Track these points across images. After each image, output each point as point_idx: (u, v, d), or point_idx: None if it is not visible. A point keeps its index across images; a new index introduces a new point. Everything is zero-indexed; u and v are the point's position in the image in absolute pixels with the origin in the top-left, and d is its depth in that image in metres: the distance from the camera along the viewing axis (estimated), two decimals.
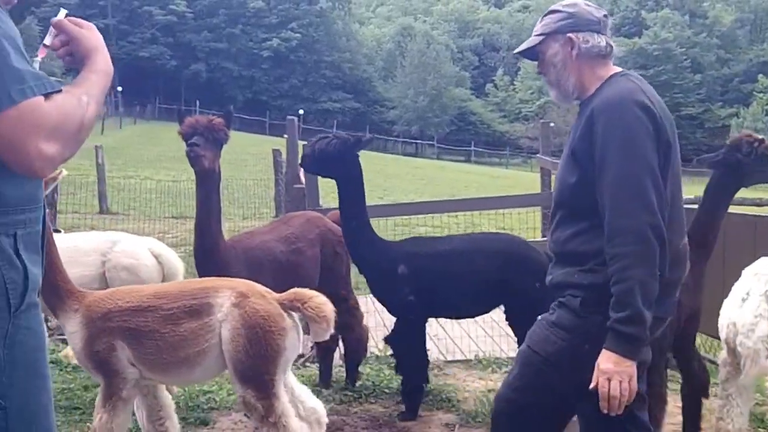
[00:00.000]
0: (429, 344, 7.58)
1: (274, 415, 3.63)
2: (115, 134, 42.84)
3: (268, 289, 3.84)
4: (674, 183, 2.76)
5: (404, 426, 5.11)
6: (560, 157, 3.03)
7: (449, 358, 7.03)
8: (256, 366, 3.61)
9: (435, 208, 8.87)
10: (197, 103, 59.79)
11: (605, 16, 2.95)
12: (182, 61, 64.74)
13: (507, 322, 5.32)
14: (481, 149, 61.33)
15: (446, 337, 7.61)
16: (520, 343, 5.19)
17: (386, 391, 5.71)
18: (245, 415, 4.30)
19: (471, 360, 6.81)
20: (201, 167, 4.70)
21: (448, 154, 60.81)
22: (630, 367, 2.60)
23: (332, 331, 3.80)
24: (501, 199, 8.90)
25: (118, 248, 5.47)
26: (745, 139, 4.44)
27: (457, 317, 6.17)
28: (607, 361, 2.62)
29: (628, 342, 2.60)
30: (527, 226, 10.93)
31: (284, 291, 3.76)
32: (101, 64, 2.15)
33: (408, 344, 5.25)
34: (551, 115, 56.57)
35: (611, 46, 2.91)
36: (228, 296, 3.69)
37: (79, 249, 5.43)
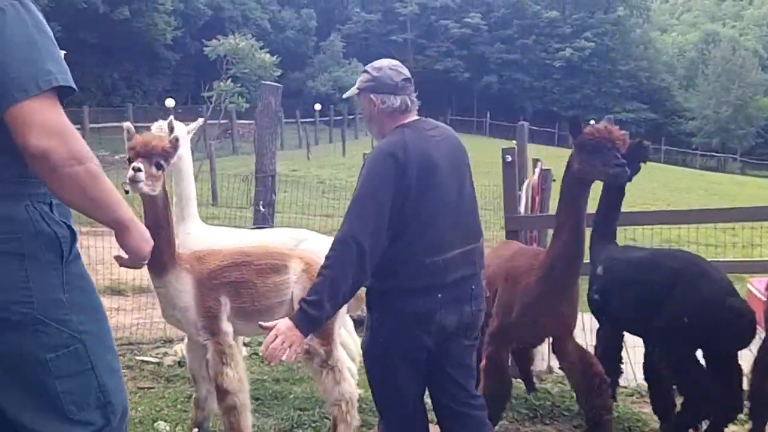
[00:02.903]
0: (634, 369, 7.03)
1: (333, 359, 4.38)
2: None
3: None
4: (435, 210, 3.43)
5: None
6: None
7: None
8: None
9: (674, 219, 7.92)
10: (488, 114, 60.63)
11: (404, 80, 3.58)
12: (475, 73, 65.77)
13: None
14: None
15: None
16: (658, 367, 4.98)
17: (566, 413, 5.30)
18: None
19: None
20: None
21: (754, 168, 56.21)
22: (297, 337, 3.25)
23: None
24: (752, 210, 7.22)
25: (302, 246, 5.61)
26: None
27: (627, 330, 5.61)
28: (284, 324, 3.27)
29: (304, 318, 3.28)
30: None
31: None
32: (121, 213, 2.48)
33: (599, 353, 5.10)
34: None
35: (407, 104, 3.57)
36: (299, 263, 4.54)
37: (266, 245, 5.64)
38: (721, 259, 7.61)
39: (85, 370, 2.42)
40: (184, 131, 5.48)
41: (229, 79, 26.62)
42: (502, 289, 4.69)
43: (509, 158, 6.79)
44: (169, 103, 28.19)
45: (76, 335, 2.39)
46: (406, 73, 3.63)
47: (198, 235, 5.43)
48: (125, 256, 2.59)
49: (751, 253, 11.12)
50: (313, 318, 3.29)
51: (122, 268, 2.80)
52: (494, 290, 4.67)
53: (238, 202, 14.02)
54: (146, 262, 2.66)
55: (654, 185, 35.74)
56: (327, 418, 5.04)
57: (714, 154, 59.40)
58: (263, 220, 7.15)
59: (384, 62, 3.66)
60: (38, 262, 2.31)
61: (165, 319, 4.67)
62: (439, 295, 3.44)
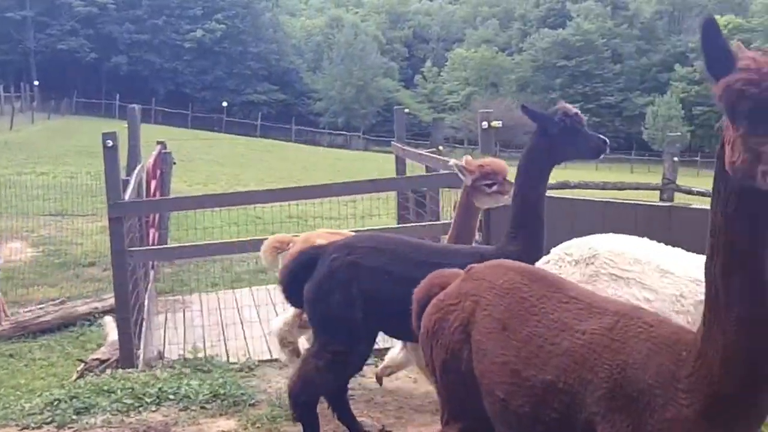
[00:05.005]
0: (250, 344, 7.41)
1: None
2: (26, 129, 42.23)
3: None
4: None
5: None
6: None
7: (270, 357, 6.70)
8: None
9: (268, 198, 8.41)
10: (117, 96, 58.66)
11: None
12: (103, 53, 63.32)
13: None
14: (408, 140, 60.49)
15: None
16: None
17: (172, 396, 5.36)
18: None
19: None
20: None
21: (376, 144, 60.60)
22: None
23: None
24: (347, 185, 8.78)
25: None
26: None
27: None
28: None
29: None
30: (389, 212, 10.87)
31: None
32: None
33: None
34: (475, 105, 56.94)
35: None
36: None
37: None
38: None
39: None
40: None
41: None
42: (611, 420, 2.43)
43: (111, 143, 6.67)
44: None
45: None
46: None
47: None
48: None
49: (370, 222, 12.11)
50: None
51: None
52: (567, 401, 2.56)
53: None
54: None
55: (285, 164, 37.23)
56: None
57: (340, 132, 63.02)
58: None
59: None
60: None
61: None
62: None
